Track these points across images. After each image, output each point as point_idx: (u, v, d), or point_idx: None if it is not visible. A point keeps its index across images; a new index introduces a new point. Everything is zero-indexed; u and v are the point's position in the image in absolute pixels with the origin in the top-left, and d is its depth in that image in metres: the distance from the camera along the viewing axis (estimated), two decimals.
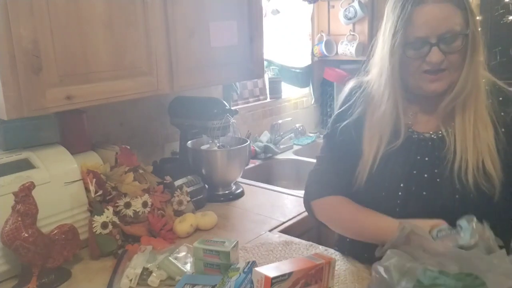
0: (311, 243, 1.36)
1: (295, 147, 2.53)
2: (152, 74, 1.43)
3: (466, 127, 1.07)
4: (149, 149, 1.92)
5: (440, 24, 1.02)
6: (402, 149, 1.12)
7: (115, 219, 1.36)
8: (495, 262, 0.89)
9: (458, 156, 1.06)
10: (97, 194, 1.36)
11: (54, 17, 1.18)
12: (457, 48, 1.04)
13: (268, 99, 2.58)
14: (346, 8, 2.55)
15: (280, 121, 2.48)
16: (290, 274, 0.96)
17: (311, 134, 2.71)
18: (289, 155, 2.42)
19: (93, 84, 1.29)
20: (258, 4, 1.71)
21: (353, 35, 2.60)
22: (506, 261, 0.89)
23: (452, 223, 0.98)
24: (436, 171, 1.09)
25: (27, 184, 1.15)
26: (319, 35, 2.74)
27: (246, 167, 1.87)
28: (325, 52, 2.66)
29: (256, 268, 0.97)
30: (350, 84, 1.25)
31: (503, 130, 1.08)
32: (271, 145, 2.37)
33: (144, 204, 1.43)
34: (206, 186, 1.76)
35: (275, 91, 2.58)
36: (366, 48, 2.50)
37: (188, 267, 1.21)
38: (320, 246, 1.34)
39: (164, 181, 1.58)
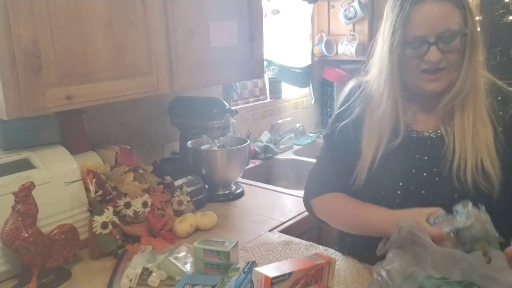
0: (311, 243, 1.36)
1: (295, 147, 2.53)
2: (152, 74, 1.43)
3: (465, 126, 1.07)
4: (149, 149, 1.92)
5: (438, 23, 1.02)
6: (401, 148, 1.12)
7: (115, 219, 1.36)
8: (498, 273, 0.89)
9: (457, 155, 1.06)
10: (97, 194, 1.36)
11: (54, 17, 1.18)
12: (455, 47, 1.04)
13: (268, 99, 2.58)
14: (346, 8, 2.55)
15: (280, 121, 2.48)
16: (290, 274, 0.96)
17: (311, 134, 2.71)
18: (289, 155, 2.42)
19: (93, 84, 1.29)
20: (258, 4, 1.71)
21: (353, 35, 2.60)
22: (509, 272, 0.89)
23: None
24: (435, 170, 1.09)
25: (27, 184, 1.15)
26: (319, 35, 2.74)
27: (246, 167, 1.87)
28: (325, 52, 2.66)
29: (256, 268, 0.97)
30: (350, 85, 1.26)
31: (501, 129, 1.08)
32: (271, 145, 2.37)
33: (144, 204, 1.43)
34: (206, 186, 1.76)
35: (275, 91, 2.58)
36: (366, 48, 2.50)
37: (188, 267, 1.21)
38: (320, 246, 1.34)
39: (164, 181, 1.58)
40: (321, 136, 2.57)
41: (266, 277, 0.93)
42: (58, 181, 1.32)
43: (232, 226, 1.55)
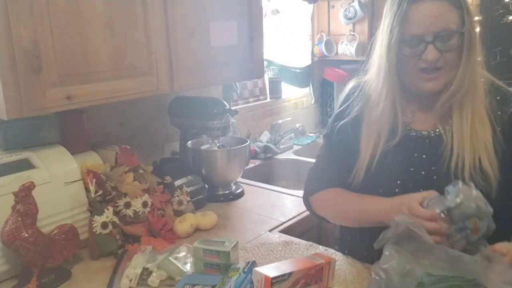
0: (311, 243, 1.36)
1: (295, 147, 2.53)
2: (152, 74, 1.43)
3: (463, 125, 1.08)
4: (149, 149, 1.92)
5: (435, 22, 1.03)
6: (399, 147, 1.13)
7: (115, 219, 1.36)
8: (497, 269, 0.89)
9: (455, 154, 1.07)
10: (97, 194, 1.36)
11: (54, 17, 1.18)
12: (453, 46, 1.05)
13: (268, 99, 2.58)
14: (346, 8, 2.55)
15: (280, 121, 2.48)
16: (290, 274, 0.96)
17: (311, 134, 2.71)
18: (289, 155, 2.42)
19: (93, 84, 1.29)
20: (258, 4, 1.71)
21: (353, 35, 2.60)
22: (510, 269, 0.89)
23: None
24: (433, 168, 1.10)
25: (27, 184, 1.15)
26: (319, 35, 2.74)
27: (246, 167, 1.87)
28: (325, 52, 2.66)
29: (256, 268, 0.97)
30: (350, 85, 1.27)
31: (499, 129, 1.09)
32: (271, 145, 2.37)
33: (144, 204, 1.43)
34: (206, 186, 1.76)
35: (275, 91, 2.58)
36: (366, 48, 2.50)
37: (188, 267, 1.21)
38: (320, 246, 1.34)
39: (164, 181, 1.58)
40: (321, 136, 2.56)
41: (266, 277, 0.93)
42: (58, 181, 1.32)
43: (232, 226, 1.55)
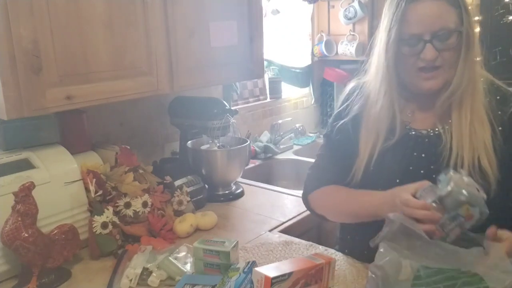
0: (311, 243, 1.36)
1: (295, 147, 2.53)
2: (152, 74, 1.43)
3: (462, 125, 1.08)
4: (149, 149, 1.92)
5: (433, 21, 1.04)
6: (399, 146, 1.13)
7: (115, 219, 1.36)
8: (493, 260, 0.89)
9: (454, 153, 1.07)
10: (97, 194, 1.36)
11: (54, 17, 1.18)
12: (451, 45, 1.05)
13: (268, 99, 2.58)
14: (346, 8, 2.55)
15: (280, 121, 2.48)
16: (290, 274, 0.96)
17: (311, 134, 2.71)
18: (289, 155, 2.42)
19: (93, 84, 1.29)
20: (258, 4, 1.71)
21: (353, 35, 2.60)
22: (505, 259, 0.90)
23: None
24: (432, 167, 1.10)
25: (27, 184, 1.15)
26: (319, 35, 2.74)
27: (246, 167, 1.87)
28: (325, 52, 2.66)
29: (256, 268, 0.97)
30: (350, 85, 1.28)
31: (500, 128, 1.09)
32: (271, 145, 2.37)
33: (144, 204, 1.43)
34: (206, 186, 1.76)
35: (275, 91, 2.58)
36: (366, 48, 2.50)
37: (188, 267, 1.21)
38: (320, 246, 1.34)
39: (164, 181, 1.58)
40: (321, 136, 2.57)
41: (266, 277, 0.93)
42: (58, 181, 1.32)
43: (232, 226, 1.55)
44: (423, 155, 1.12)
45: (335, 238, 1.38)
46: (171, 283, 1.17)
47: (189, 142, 1.82)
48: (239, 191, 1.83)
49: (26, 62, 1.14)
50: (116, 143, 1.58)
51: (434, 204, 0.95)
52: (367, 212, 1.11)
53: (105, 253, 1.34)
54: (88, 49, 1.26)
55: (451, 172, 0.96)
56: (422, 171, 1.11)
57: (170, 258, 1.22)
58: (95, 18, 1.27)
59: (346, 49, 2.59)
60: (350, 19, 2.56)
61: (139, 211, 1.42)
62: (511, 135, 1.09)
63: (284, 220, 1.57)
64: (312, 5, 2.68)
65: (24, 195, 1.14)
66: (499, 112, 1.10)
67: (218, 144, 1.83)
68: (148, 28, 1.39)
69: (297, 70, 2.71)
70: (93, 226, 1.31)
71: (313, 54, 2.76)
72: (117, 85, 1.35)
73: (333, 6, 2.67)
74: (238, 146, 1.79)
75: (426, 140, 1.13)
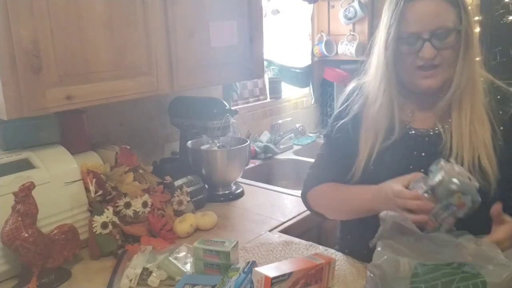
0: (311, 243, 1.36)
1: (295, 147, 2.53)
2: (152, 74, 1.43)
3: (462, 124, 1.09)
4: (149, 149, 1.92)
5: (432, 20, 1.04)
6: (399, 145, 1.14)
7: (115, 219, 1.36)
8: (489, 254, 0.90)
9: (454, 152, 1.07)
10: (97, 194, 1.36)
11: (54, 17, 1.18)
12: (449, 44, 1.05)
13: (268, 99, 2.58)
14: (346, 8, 2.55)
15: (280, 121, 2.48)
16: (290, 274, 0.96)
17: (311, 134, 2.71)
18: (289, 155, 2.42)
19: (93, 84, 1.29)
20: (258, 4, 1.71)
21: (353, 35, 2.60)
22: (500, 252, 0.90)
23: (465, 224, 0.98)
24: None
25: (27, 184, 1.15)
26: (319, 35, 2.74)
27: (246, 167, 1.87)
28: (325, 52, 2.66)
29: (256, 268, 0.97)
30: (350, 86, 1.29)
31: (501, 128, 1.09)
32: (271, 145, 2.37)
33: (144, 204, 1.43)
34: (206, 186, 1.76)
35: (275, 91, 2.58)
36: (366, 48, 2.50)
37: (188, 267, 1.21)
38: (320, 246, 1.34)
39: (164, 181, 1.58)
40: (321, 136, 2.57)
41: (266, 277, 0.93)
42: (58, 181, 1.32)
43: (232, 226, 1.55)
44: (423, 154, 1.12)
45: (335, 238, 1.39)
46: (171, 283, 1.17)
47: (189, 142, 1.82)
48: (239, 191, 1.83)
49: (26, 62, 1.14)
50: (116, 143, 1.58)
51: (426, 195, 0.96)
52: (363, 206, 1.12)
53: (105, 253, 1.34)
54: (88, 49, 1.26)
55: (442, 162, 0.97)
56: (422, 170, 1.10)
57: (170, 258, 1.22)
58: (95, 18, 1.27)
59: (346, 49, 2.59)
60: (350, 19, 2.56)
61: (139, 211, 1.42)
62: None
63: (284, 220, 1.57)
64: (312, 5, 2.68)
65: (24, 195, 1.14)
66: (500, 112, 1.10)
67: (218, 144, 1.83)
68: (148, 28, 1.39)
69: (297, 70, 2.71)
70: (93, 226, 1.31)
71: (313, 54, 2.76)
72: (117, 85, 1.35)
73: (333, 6, 2.67)
74: (238, 146, 1.79)
75: (426, 139, 1.13)
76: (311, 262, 1.04)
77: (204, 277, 1.13)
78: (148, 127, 1.91)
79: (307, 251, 1.31)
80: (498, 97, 1.12)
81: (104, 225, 1.33)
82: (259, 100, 2.54)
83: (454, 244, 0.93)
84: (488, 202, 1.01)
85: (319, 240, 1.64)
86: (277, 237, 1.44)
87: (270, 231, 1.50)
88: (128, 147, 1.55)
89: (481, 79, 1.13)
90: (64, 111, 1.28)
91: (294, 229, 1.54)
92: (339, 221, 1.34)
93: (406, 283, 0.90)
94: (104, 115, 1.73)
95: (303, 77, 2.73)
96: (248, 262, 1.07)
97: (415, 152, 1.13)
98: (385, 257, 0.93)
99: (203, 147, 1.85)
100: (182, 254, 1.28)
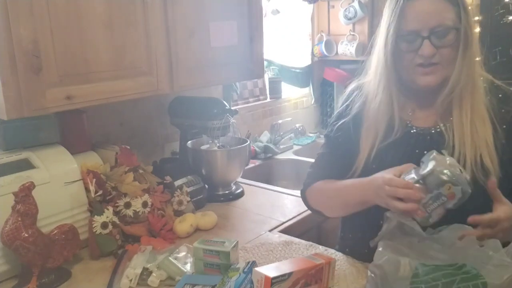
0: (311, 243, 1.36)
1: (295, 147, 2.53)
2: (152, 74, 1.43)
3: (463, 122, 1.09)
4: (149, 149, 1.92)
5: (431, 18, 1.05)
6: (400, 143, 1.14)
7: (115, 219, 1.36)
8: (490, 254, 0.90)
9: (457, 150, 1.08)
10: (97, 194, 1.36)
11: (54, 17, 1.18)
12: (448, 42, 1.06)
13: (268, 99, 2.58)
14: (346, 8, 2.55)
15: (280, 121, 2.48)
16: (290, 274, 0.96)
17: (311, 134, 2.71)
18: (289, 155, 2.42)
19: (93, 84, 1.29)
20: (258, 4, 1.71)
21: (353, 35, 2.60)
22: (501, 253, 0.90)
23: (450, 217, 0.98)
24: None
25: (27, 184, 1.15)
26: (319, 35, 2.74)
27: (246, 167, 1.87)
28: (325, 52, 2.66)
29: (256, 268, 0.97)
30: (350, 87, 1.29)
31: (504, 127, 1.10)
32: (271, 145, 2.37)
33: (144, 204, 1.43)
34: (206, 186, 1.76)
35: (275, 91, 2.58)
36: (366, 48, 2.50)
37: (188, 267, 1.21)
38: (320, 246, 1.34)
39: (164, 181, 1.58)
40: (321, 136, 2.58)
41: (266, 277, 0.93)
42: (58, 181, 1.32)
43: (232, 226, 1.55)
44: (425, 152, 1.12)
45: (335, 238, 1.39)
46: (171, 283, 1.17)
47: (189, 142, 1.82)
48: (239, 191, 1.83)
49: (26, 62, 1.14)
50: (116, 143, 1.58)
51: (417, 185, 0.96)
52: (356, 199, 1.12)
53: (105, 253, 1.34)
54: (88, 49, 1.26)
55: (435, 153, 0.98)
56: None
57: (170, 258, 1.22)
58: (95, 18, 1.27)
59: (346, 49, 2.59)
60: (350, 19, 2.56)
61: (139, 211, 1.42)
62: None
63: (284, 220, 1.57)
64: (312, 5, 2.68)
65: (24, 195, 1.14)
66: (502, 111, 1.11)
67: (218, 144, 1.83)
68: (148, 28, 1.39)
69: (297, 70, 2.71)
70: (93, 226, 1.31)
71: (313, 54, 2.76)
72: (117, 85, 1.35)
73: (333, 6, 2.67)
74: (238, 146, 1.79)
75: (428, 137, 1.14)
76: (311, 262, 1.04)
77: (204, 277, 1.13)
78: (148, 127, 1.91)
79: (307, 251, 1.31)
80: (500, 95, 1.13)
81: (104, 225, 1.33)
82: (259, 100, 2.54)
83: (456, 246, 0.93)
84: (491, 201, 1.01)
85: (319, 240, 1.64)
86: (277, 237, 1.44)
87: (270, 231, 1.50)
88: (128, 147, 1.55)
89: (481, 78, 1.13)
90: (64, 111, 1.28)
91: (294, 229, 1.54)
92: (340, 220, 1.34)
93: (406, 283, 0.90)
94: (104, 115, 1.73)
95: (303, 77, 2.73)
96: (248, 262, 1.07)
97: (417, 150, 1.13)
98: (386, 257, 0.93)
99: (203, 147, 1.85)
100: (182, 254, 1.28)
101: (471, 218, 0.95)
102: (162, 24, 1.42)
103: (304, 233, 1.56)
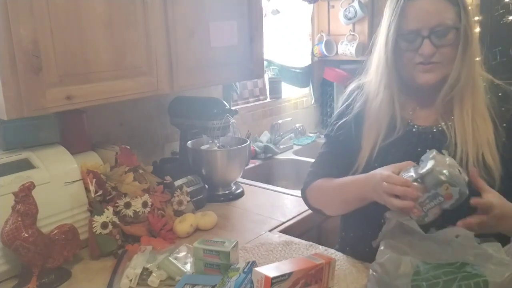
0: (311, 243, 1.36)
1: (295, 147, 2.53)
2: (152, 74, 1.43)
3: (464, 121, 1.10)
4: (149, 149, 1.92)
5: (431, 17, 1.06)
6: (402, 142, 1.14)
7: (115, 219, 1.36)
8: (490, 253, 0.90)
9: (459, 149, 1.08)
10: (97, 194, 1.36)
11: (54, 17, 1.18)
12: (448, 41, 1.07)
13: (268, 99, 2.58)
14: (346, 8, 2.55)
15: (280, 121, 2.48)
16: (290, 274, 0.96)
17: (311, 134, 2.71)
18: (289, 155, 2.42)
19: (93, 84, 1.29)
20: (258, 4, 1.71)
21: (353, 35, 2.60)
22: (502, 252, 0.90)
23: (452, 216, 0.98)
24: None
25: (27, 184, 1.15)
26: (319, 35, 2.74)
27: (246, 167, 1.87)
28: (325, 52, 2.66)
29: (256, 268, 0.97)
30: (350, 86, 1.30)
31: (504, 125, 1.10)
32: (271, 145, 2.37)
33: (144, 204, 1.43)
34: (206, 186, 1.76)
35: (275, 91, 2.58)
36: (366, 48, 2.50)
37: (188, 267, 1.21)
38: (320, 246, 1.34)
39: (164, 181, 1.58)
40: (321, 136, 2.58)
41: (266, 277, 0.93)
42: (58, 181, 1.32)
43: (232, 226, 1.55)
44: (427, 150, 1.12)
45: (335, 238, 1.39)
46: (171, 283, 1.17)
47: (189, 142, 1.82)
48: (239, 191, 1.83)
49: (26, 62, 1.14)
50: (116, 143, 1.58)
51: (415, 183, 0.96)
52: (354, 195, 1.13)
53: (105, 253, 1.34)
54: (88, 49, 1.26)
55: (434, 152, 0.98)
56: None
57: (170, 258, 1.22)
58: (95, 18, 1.27)
59: (346, 49, 2.59)
60: (350, 19, 2.56)
61: (139, 211, 1.42)
62: None
63: (284, 220, 1.57)
64: (312, 5, 2.68)
65: (24, 195, 1.14)
66: (503, 109, 1.12)
67: (218, 144, 1.83)
68: (148, 28, 1.39)
69: (297, 70, 2.71)
70: (93, 226, 1.31)
71: (313, 54, 2.76)
72: (117, 85, 1.35)
73: (333, 6, 2.67)
74: (238, 146, 1.79)
75: (430, 136, 1.14)
76: (311, 262, 1.04)
77: (204, 277, 1.13)
78: (148, 127, 1.91)
79: (307, 251, 1.31)
80: (500, 94, 1.14)
81: (104, 225, 1.33)
82: (259, 100, 2.54)
83: (456, 244, 0.93)
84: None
85: (319, 240, 1.64)
86: (277, 237, 1.44)
87: (270, 231, 1.50)
88: (128, 147, 1.55)
89: (481, 77, 1.14)
90: (64, 111, 1.28)
91: (294, 229, 1.54)
92: (340, 219, 1.34)
93: (407, 281, 0.90)
94: (104, 115, 1.73)
95: (303, 77, 2.73)
96: (248, 262, 1.07)
97: (419, 148, 1.13)
98: (388, 255, 0.93)
99: (203, 147, 1.85)
100: (182, 254, 1.28)
101: (473, 200, 0.95)
102: (162, 24, 1.42)
103: (304, 233, 1.56)
